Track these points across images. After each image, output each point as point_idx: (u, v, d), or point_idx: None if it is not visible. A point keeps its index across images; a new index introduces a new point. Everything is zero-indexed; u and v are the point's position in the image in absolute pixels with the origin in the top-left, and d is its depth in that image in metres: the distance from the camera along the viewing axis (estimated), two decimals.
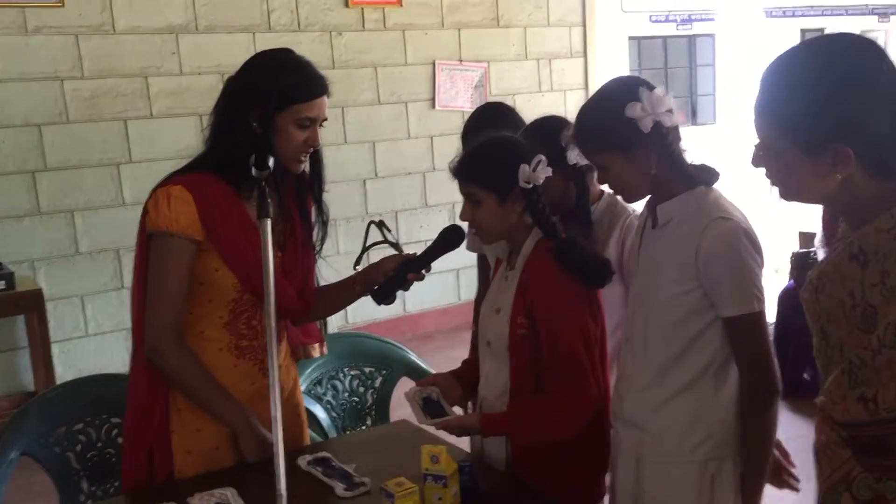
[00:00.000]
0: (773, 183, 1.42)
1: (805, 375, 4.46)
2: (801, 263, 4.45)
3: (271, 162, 1.61)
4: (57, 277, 4.76)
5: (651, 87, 1.72)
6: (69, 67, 4.73)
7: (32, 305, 4.36)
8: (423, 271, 2.07)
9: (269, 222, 1.48)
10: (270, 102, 1.91)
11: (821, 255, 4.58)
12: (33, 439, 2.36)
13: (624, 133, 1.72)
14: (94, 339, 4.88)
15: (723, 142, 9.76)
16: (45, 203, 4.72)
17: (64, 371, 4.67)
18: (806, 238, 4.80)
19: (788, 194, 1.42)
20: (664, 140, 1.73)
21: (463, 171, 1.97)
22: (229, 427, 2.00)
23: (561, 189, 2.08)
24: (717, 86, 12.43)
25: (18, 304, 4.37)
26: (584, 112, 1.83)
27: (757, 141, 1.40)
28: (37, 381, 4.51)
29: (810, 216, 5.49)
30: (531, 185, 1.89)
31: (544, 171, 1.90)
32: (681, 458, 1.78)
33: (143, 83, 4.93)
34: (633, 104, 1.70)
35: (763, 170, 1.41)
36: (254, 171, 1.59)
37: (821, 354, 1.45)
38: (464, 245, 2.17)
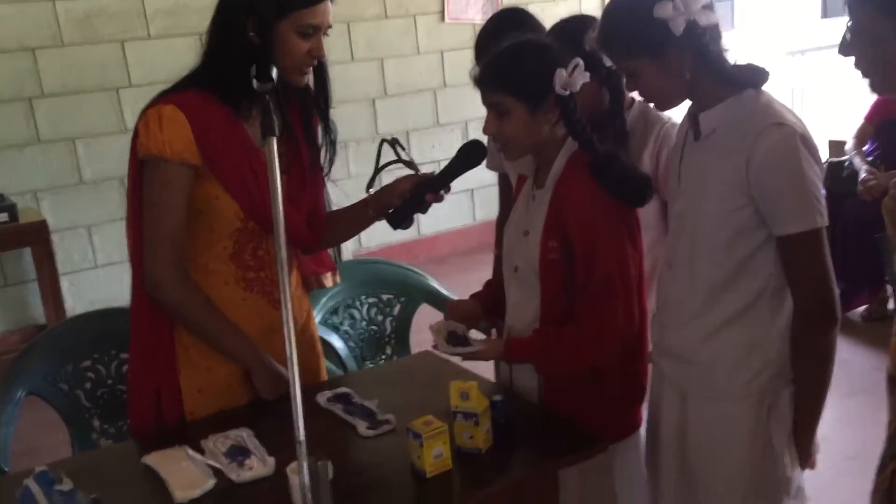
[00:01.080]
0: (866, 74, 1.24)
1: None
2: (834, 173, 4.27)
3: (274, 73, 1.43)
4: (61, 208, 4.64)
5: None
6: None
7: (37, 238, 4.26)
8: (443, 192, 1.91)
9: (274, 141, 1.31)
10: (269, 9, 1.72)
11: (857, 162, 4.38)
12: (40, 378, 2.29)
13: (654, 35, 1.53)
14: (103, 269, 4.79)
15: (742, 48, 9.44)
16: (44, 131, 4.56)
17: (75, 303, 4.61)
18: (837, 147, 4.59)
19: (885, 86, 1.25)
20: (700, 41, 1.53)
21: (490, 77, 1.77)
22: (241, 364, 1.88)
23: (593, 96, 1.90)
24: None
25: (23, 237, 4.26)
26: (609, 13, 1.63)
27: (849, 24, 1.21)
28: (47, 314, 4.43)
29: (840, 124, 5.28)
30: (568, 93, 1.71)
31: (582, 76, 1.71)
32: (734, 392, 1.64)
33: (139, 2, 4.73)
34: (664, 3, 1.50)
35: (852, 59, 1.23)
36: (255, 83, 1.42)
37: None
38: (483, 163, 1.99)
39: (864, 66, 1.24)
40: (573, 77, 1.70)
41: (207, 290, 1.85)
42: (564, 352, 1.75)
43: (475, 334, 1.91)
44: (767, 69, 1.61)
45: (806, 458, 1.68)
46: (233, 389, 1.90)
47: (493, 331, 2.22)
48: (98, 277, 4.79)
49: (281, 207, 1.28)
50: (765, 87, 1.61)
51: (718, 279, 1.62)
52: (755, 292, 1.61)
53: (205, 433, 1.75)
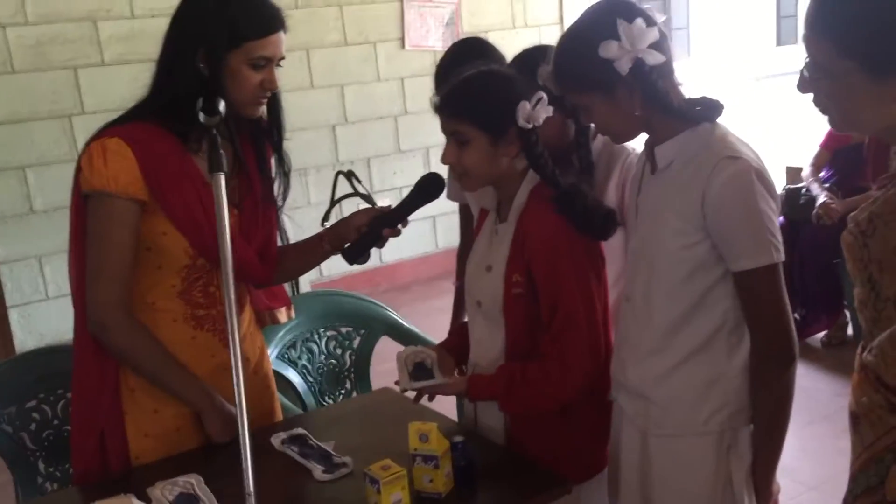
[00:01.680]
0: (825, 111, 1.22)
1: (796, 315, 4.35)
2: (792, 199, 4.30)
3: (222, 106, 1.38)
4: (11, 238, 4.52)
5: (632, 17, 1.49)
6: (11, 13, 4.44)
7: None
8: (400, 226, 1.87)
9: (222, 177, 1.26)
10: (219, 40, 1.67)
11: (815, 190, 4.41)
12: None
13: (601, 74, 1.51)
14: (54, 302, 4.66)
15: (697, 76, 9.58)
16: None
17: (25, 337, 4.49)
18: (794, 173, 4.64)
19: (843, 123, 1.23)
20: (647, 79, 1.51)
21: (452, 106, 1.73)
22: (191, 407, 1.80)
23: (558, 128, 1.87)
24: (690, 19, 12.19)
25: None
26: (560, 50, 1.61)
27: (807, 61, 1.20)
28: None
29: (797, 150, 5.33)
30: (530, 126, 1.68)
31: (545, 111, 1.68)
32: (693, 429, 1.60)
33: (93, 28, 4.66)
34: (608, 43, 1.48)
35: (801, 102, 1.21)
36: (202, 117, 1.36)
37: (866, 307, 1.26)
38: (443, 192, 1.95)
39: (823, 104, 1.22)
40: (536, 110, 1.67)
41: (154, 330, 1.78)
42: (528, 389, 1.71)
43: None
44: (722, 102, 1.59)
45: (766, 499, 1.64)
46: (181, 433, 1.83)
47: (463, 367, 2.17)
48: (49, 310, 4.65)
49: (229, 246, 1.23)
50: (721, 118, 1.59)
51: (675, 315, 1.59)
52: (713, 329, 1.58)
53: (152, 480, 1.67)
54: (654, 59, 1.50)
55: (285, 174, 1.92)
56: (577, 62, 1.56)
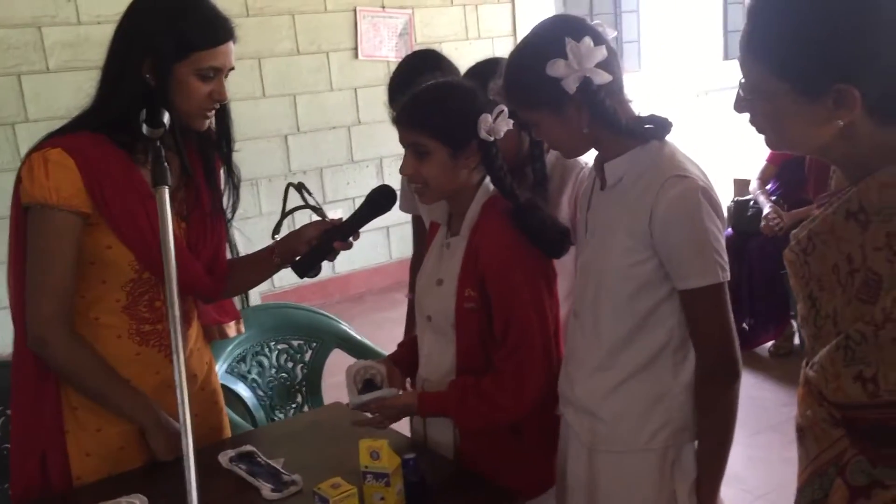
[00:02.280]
0: (760, 130, 1.23)
1: (744, 325, 4.42)
2: (740, 211, 4.38)
3: (166, 118, 1.35)
4: None
5: (580, 36, 1.49)
6: None
7: None
8: (351, 238, 1.84)
9: (166, 190, 1.23)
10: (167, 50, 1.63)
11: (761, 201, 4.48)
12: None
13: (549, 91, 1.51)
14: None
15: (648, 89, 9.71)
16: None
17: None
18: (741, 185, 4.72)
19: (778, 143, 1.24)
20: (594, 98, 1.51)
21: (411, 117, 1.71)
22: (135, 424, 1.76)
23: (513, 139, 1.86)
24: (641, 32, 12.35)
25: None
26: (508, 66, 1.61)
27: (742, 81, 1.21)
28: None
29: (744, 163, 5.41)
30: (491, 139, 1.68)
31: (506, 123, 1.68)
32: (637, 446, 1.61)
33: (37, 34, 4.57)
34: (556, 62, 1.48)
35: (747, 116, 1.22)
36: (145, 129, 1.33)
37: (808, 324, 1.28)
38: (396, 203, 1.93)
39: (759, 123, 1.23)
40: (497, 123, 1.67)
41: (98, 346, 1.73)
42: (482, 403, 1.69)
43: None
44: (671, 120, 1.60)
45: None
46: (125, 451, 1.77)
47: (408, 380, 2.15)
48: None
49: (173, 260, 1.19)
50: (670, 135, 1.60)
51: (622, 332, 1.59)
52: (658, 346, 1.59)
53: (94, 500, 1.62)
54: (601, 78, 1.50)
55: (235, 186, 1.88)
56: (525, 79, 1.56)
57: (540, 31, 1.59)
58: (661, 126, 1.58)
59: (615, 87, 1.55)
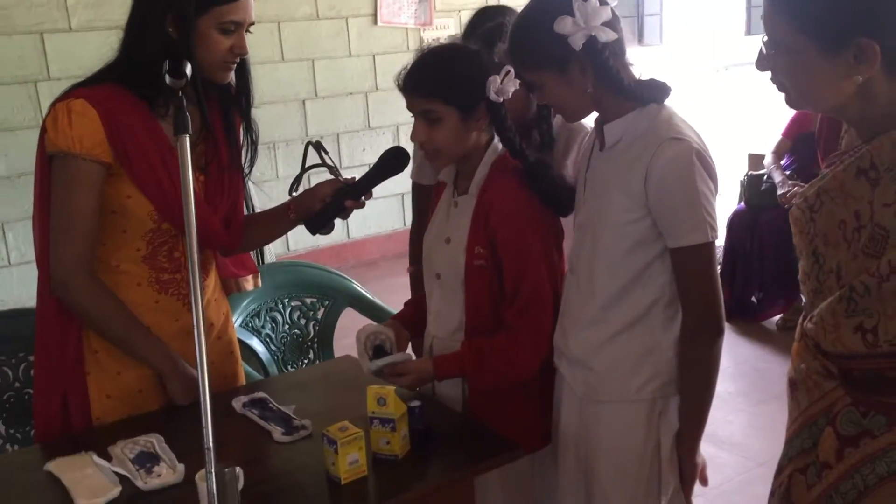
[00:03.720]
0: (782, 88, 1.27)
1: (753, 298, 4.45)
2: (753, 185, 4.39)
3: (188, 69, 1.39)
4: None
5: None
6: None
7: None
8: (363, 198, 1.89)
9: (187, 139, 1.27)
10: (189, 4, 1.68)
11: (776, 177, 4.49)
12: None
13: (555, 50, 1.55)
14: (17, 268, 4.62)
15: (669, 63, 9.65)
16: None
17: None
18: (756, 160, 4.73)
19: (800, 100, 1.27)
20: (599, 57, 1.55)
21: (419, 84, 1.74)
22: (154, 369, 1.82)
23: (522, 101, 1.90)
24: (664, 5, 12.24)
25: None
26: (514, 27, 1.64)
27: (765, 39, 1.24)
28: None
29: (759, 138, 5.41)
30: (500, 100, 1.71)
31: (513, 83, 1.71)
32: (627, 396, 1.67)
33: None
34: (563, 18, 1.52)
35: (769, 74, 1.25)
36: (168, 79, 1.37)
37: (809, 279, 1.32)
38: (409, 171, 1.96)
39: (780, 81, 1.26)
40: (505, 84, 1.70)
41: (118, 292, 1.79)
42: (499, 362, 1.73)
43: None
44: (669, 85, 1.64)
45: (691, 469, 1.69)
46: (143, 395, 1.85)
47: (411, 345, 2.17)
48: (11, 276, 4.61)
49: (193, 209, 1.24)
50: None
51: (616, 288, 1.64)
52: (649, 302, 1.64)
53: (113, 439, 1.69)
54: (606, 35, 1.54)
55: (253, 142, 1.93)
56: (531, 38, 1.59)
57: None
58: (660, 90, 1.62)
59: (618, 49, 1.59)
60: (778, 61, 1.24)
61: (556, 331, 1.77)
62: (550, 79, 1.60)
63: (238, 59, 1.77)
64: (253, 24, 1.77)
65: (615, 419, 1.68)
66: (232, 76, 1.82)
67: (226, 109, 1.88)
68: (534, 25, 1.59)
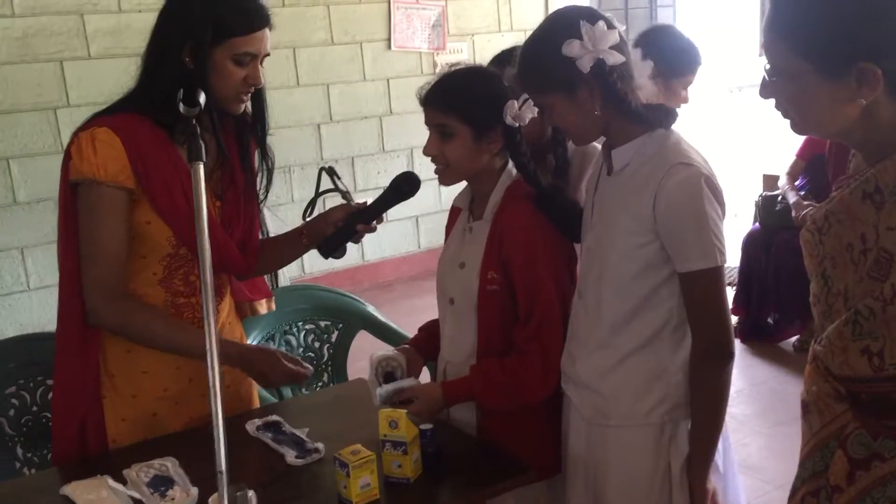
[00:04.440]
0: (786, 114, 1.27)
1: (769, 320, 4.43)
2: (768, 206, 4.38)
3: (202, 98, 1.42)
4: None
5: (595, 20, 1.56)
6: None
7: None
8: (375, 222, 1.92)
9: (200, 166, 1.30)
10: (205, 35, 1.71)
11: (790, 198, 4.47)
12: None
13: (563, 73, 1.58)
14: (35, 293, 4.66)
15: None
16: None
17: (5, 327, 4.48)
18: (770, 180, 4.72)
19: (804, 125, 1.27)
20: (607, 80, 1.57)
21: (439, 98, 1.77)
22: (230, 365, 1.84)
23: (537, 125, 1.93)
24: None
25: None
26: (523, 50, 1.67)
27: (767, 66, 1.25)
28: None
29: (773, 159, 5.39)
30: (517, 125, 1.74)
31: (531, 111, 1.74)
32: (635, 421, 1.67)
33: (80, 21, 4.67)
34: (571, 42, 1.55)
35: (777, 111, 1.26)
36: (182, 107, 1.40)
37: (819, 302, 1.32)
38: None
39: (784, 108, 1.27)
40: (523, 110, 1.72)
41: None
42: (509, 381, 1.74)
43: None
44: (676, 110, 1.66)
45: (701, 494, 1.67)
46: (158, 418, 1.86)
47: (424, 368, 2.17)
48: (30, 300, 4.66)
49: (206, 234, 1.27)
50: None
51: (624, 311, 1.65)
52: (658, 325, 1.64)
53: (128, 462, 1.71)
54: (614, 59, 1.56)
55: (268, 169, 1.96)
56: (540, 61, 1.62)
57: (555, 17, 1.67)
58: (667, 115, 1.64)
59: (626, 72, 1.61)
60: (781, 88, 1.24)
61: (564, 355, 1.77)
62: (559, 101, 1.62)
63: (252, 90, 1.80)
64: (268, 55, 1.80)
65: (624, 443, 1.68)
66: (248, 105, 1.85)
67: (242, 137, 1.91)
68: (542, 48, 1.62)
